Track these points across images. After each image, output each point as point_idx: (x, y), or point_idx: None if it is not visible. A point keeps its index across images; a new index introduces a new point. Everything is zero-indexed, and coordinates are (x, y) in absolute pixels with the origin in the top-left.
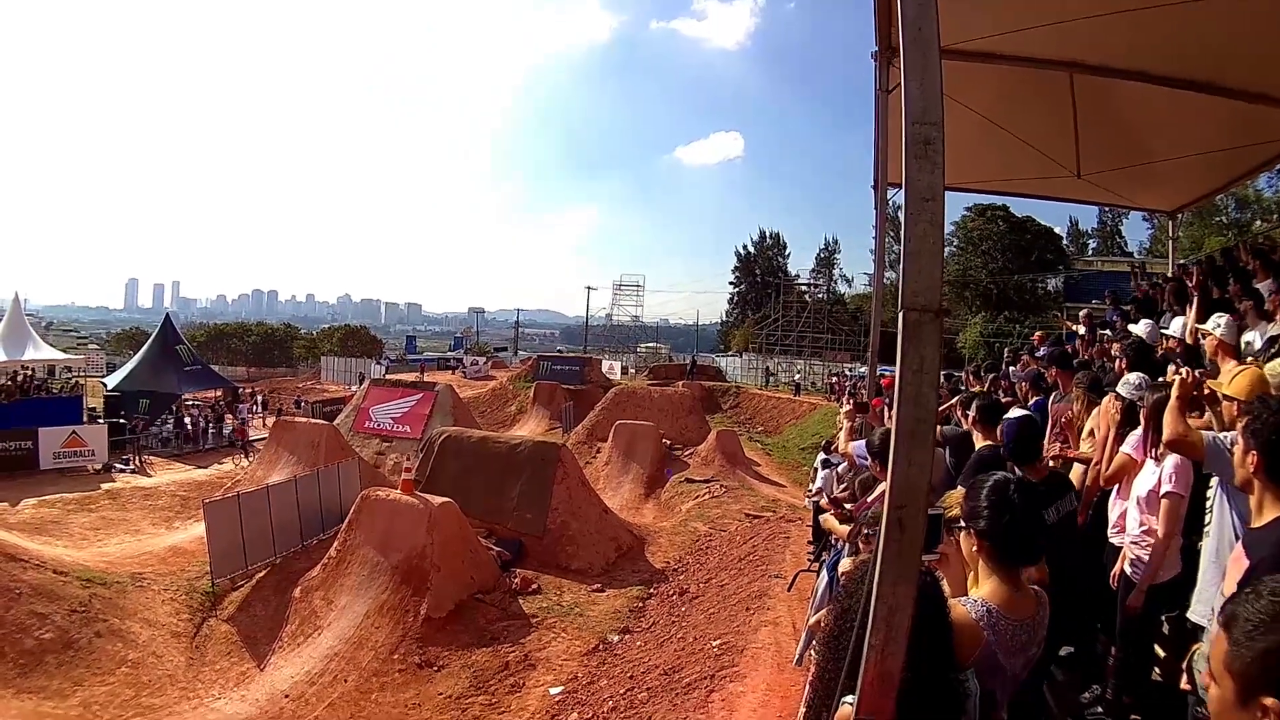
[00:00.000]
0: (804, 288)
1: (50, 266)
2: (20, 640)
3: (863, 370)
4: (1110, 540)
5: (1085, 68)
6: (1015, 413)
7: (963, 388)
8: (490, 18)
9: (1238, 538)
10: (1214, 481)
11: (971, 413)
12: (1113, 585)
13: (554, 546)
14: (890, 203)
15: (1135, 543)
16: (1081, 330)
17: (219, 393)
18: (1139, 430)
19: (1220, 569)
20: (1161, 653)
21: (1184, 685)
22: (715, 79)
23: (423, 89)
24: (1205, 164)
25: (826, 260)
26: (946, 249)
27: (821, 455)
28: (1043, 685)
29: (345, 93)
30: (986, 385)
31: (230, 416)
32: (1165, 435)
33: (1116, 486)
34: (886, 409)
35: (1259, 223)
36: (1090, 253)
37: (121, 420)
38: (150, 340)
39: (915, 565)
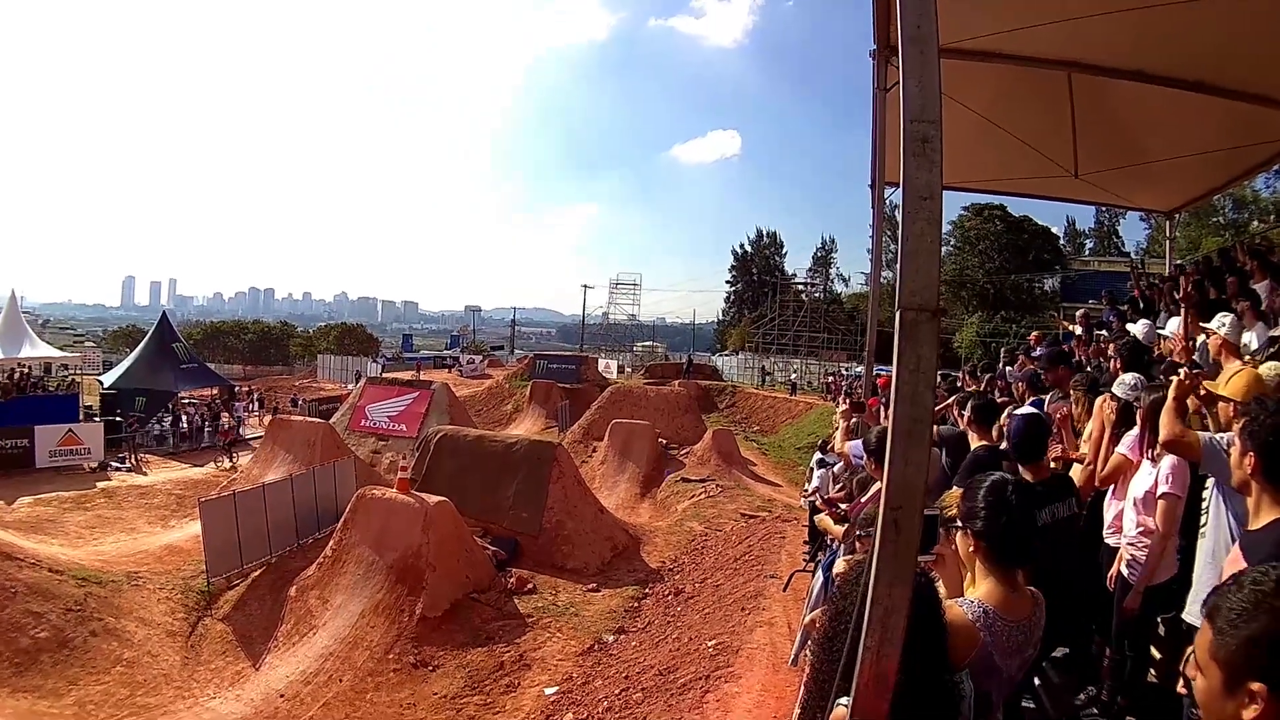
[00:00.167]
0: (801, 287)
1: (47, 264)
2: (15, 639)
3: (859, 370)
4: (1106, 541)
5: (1084, 67)
6: (1023, 410)
7: (960, 387)
8: (489, 16)
9: (1234, 539)
10: (1210, 482)
11: (966, 413)
12: (1109, 586)
13: (550, 546)
14: (887, 202)
15: (1132, 544)
16: (1078, 330)
17: (215, 391)
18: (1135, 430)
19: (1217, 570)
20: (1157, 654)
21: (1180, 689)
22: (713, 77)
23: (421, 88)
24: (1203, 164)
25: (823, 259)
26: (943, 248)
27: (818, 455)
28: (1036, 685)
29: (344, 91)
30: (983, 385)
31: (227, 415)
32: (1162, 436)
33: (1112, 487)
34: (883, 409)
35: (1256, 223)
36: (1087, 252)
37: (118, 418)
38: (147, 338)
39: (911, 566)
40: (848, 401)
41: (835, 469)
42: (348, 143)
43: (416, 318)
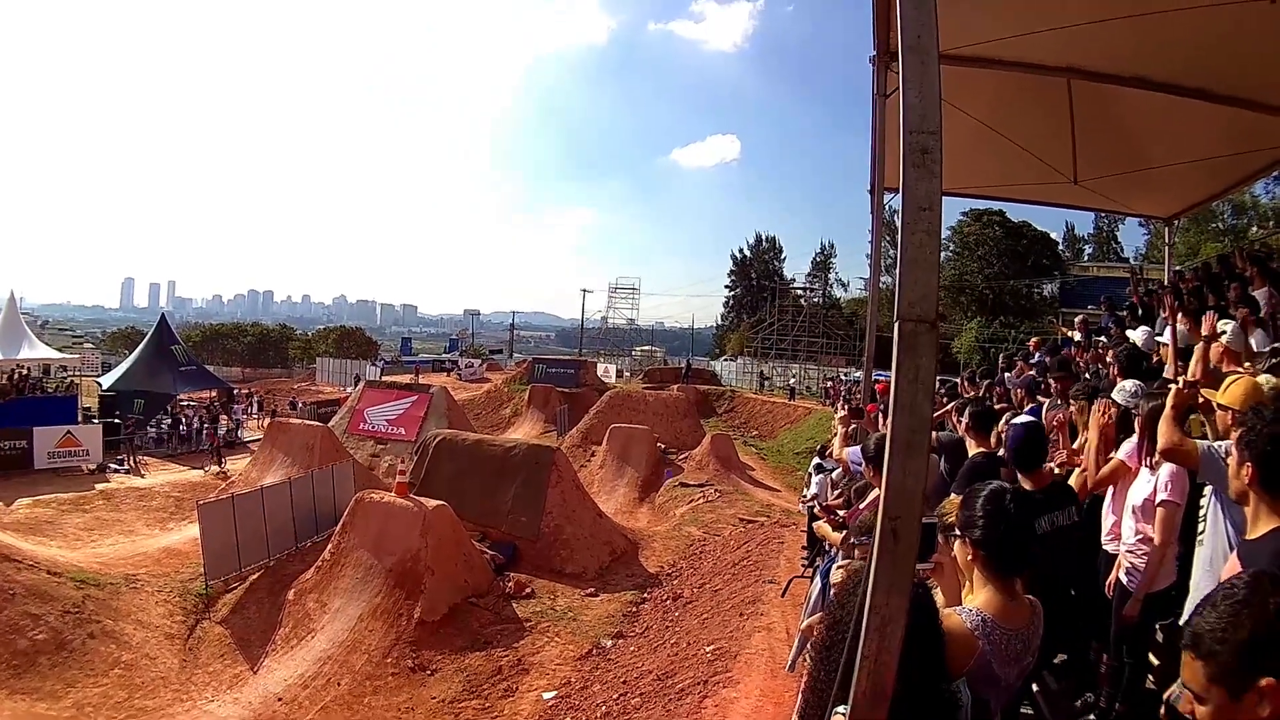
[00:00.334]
0: (800, 292)
1: (46, 265)
2: (13, 641)
3: (858, 375)
4: (1104, 547)
5: (1083, 74)
6: (1021, 419)
7: (959, 393)
8: (489, 18)
9: (1232, 547)
10: (1208, 490)
11: (965, 419)
12: (1108, 593)
13: (548, 550)
14: (886, 208)
15: (1131, 551)
16: (1077, 336)
17: (214, 393)
18: (1134, 437)
19: (1214, 578)
20: (1156, 661)
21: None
22: (712, 81)
23: (421, 90)
24: (1202, 170)
25: (822, 264)
26: (942, 254)
27: (816, 460)
28: (1034, 692)
29: (343, 93)
30: (981, 391)
31: (226, 417)
32: (1160, 445)
33: (1111, 493)
34: (881, 415)
35: (1255, 229)
36: (1086, 258)
37: (116, 420)
38: (145, 340)
39: (909, 576)
40: (846, 407)
41: (834, 475)
42: (347, 145)
43: (415, 321)
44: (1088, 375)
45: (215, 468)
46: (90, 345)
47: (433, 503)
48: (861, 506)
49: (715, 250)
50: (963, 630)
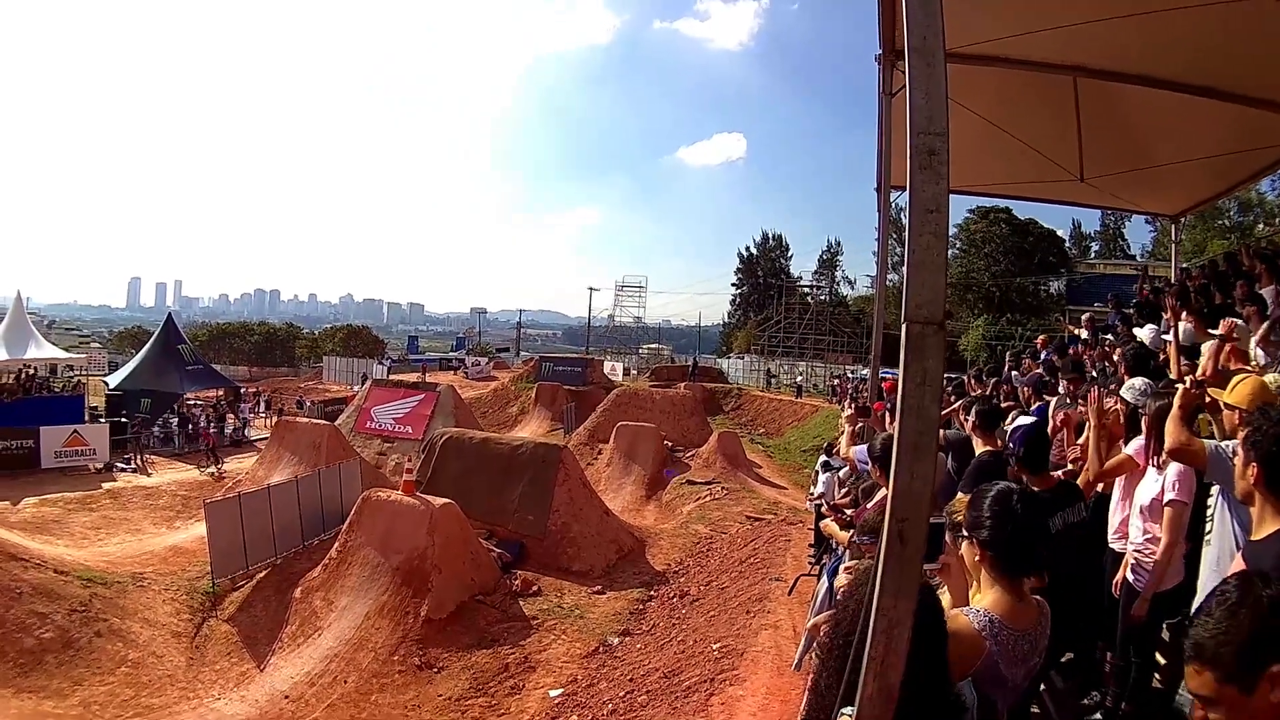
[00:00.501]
0: (806, 290)
1: (53, 265)
2: (20, 639)
3: (864, 373)
4: (1111, 546)
5: (1089, 72)
6: (1024, 420)
7: (965, 391)
8: (493, 17)
9: (1239, 546)
10: (1215, 490)
11: (971, 418)
12: (1115, 593)
13: (555, 548)
14: (893, 205)
15: (1139, 550)
16: (1083, 334)
17: (221, 392)
18: (1142, 435)
19: (1221, 578)
20: (1163, 660)
21: None
22: (718, 80)
23: (424, 89)
24: (1208, 168)
25: (829, 262)
26: (949, 251)
27: (823, 458)
28: (1041, 691)
29: (348, 92)
30: (989, 389)
31: (233, 416)
32: (1168, 445)
33: (1119, 493)
34: (888, 413)
35: (1261, 226)
36: (1093, 255)
37: (123, 419)
38: (152, 339)
39: (916, 579)
40: (853, 406)
41: (840, 474)
42: (353, 145)
43: (422, 319)
44: (1094, 373)
45: (212, 468)
46: (97, 345)
47: (440, 501)
48: (868, 506)
49: (722, 248)
50: (970, 631)
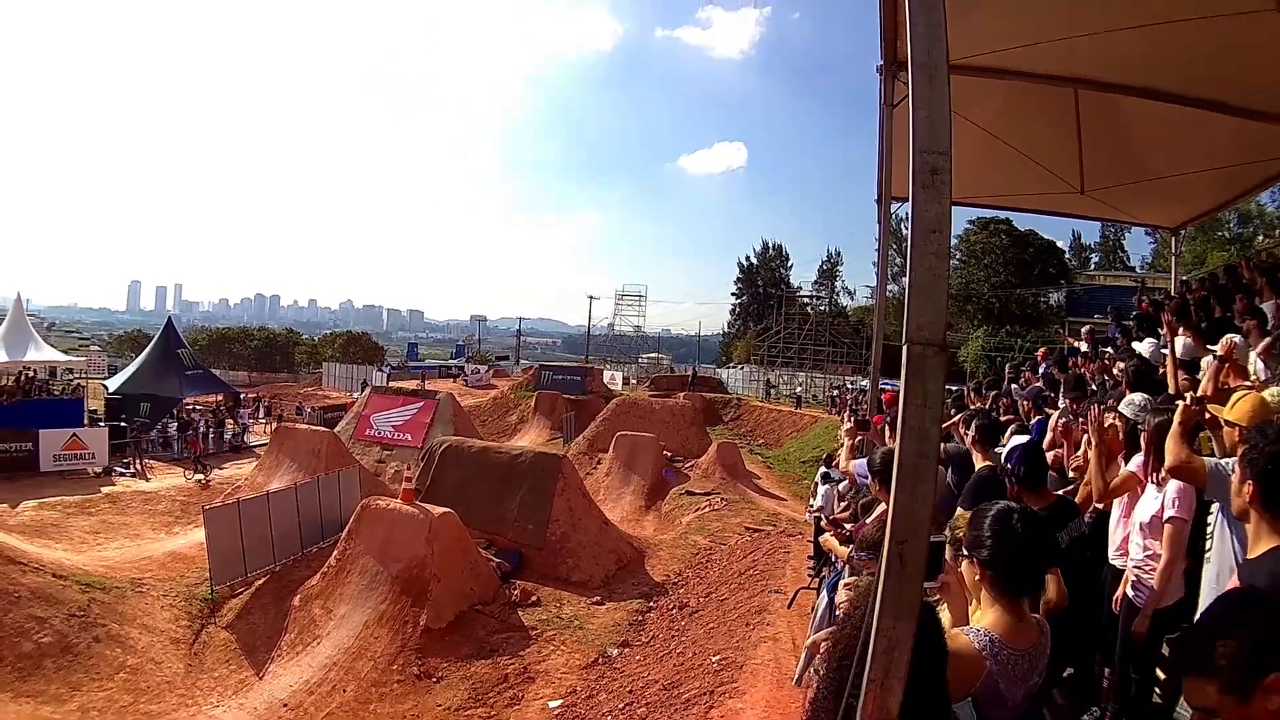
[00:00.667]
0: (806, 300)
1: (53, 267)
2: (18, 644)
3: (864, 383)
4: (1112, 562)
5: (1091, 84)
6: (1018, 440)
7: (965, 404)
8: (498, 26)
9: (1239, 564)
10: (1215, 507)
11: (971, 432)
12: (1115, 609)
13: (554, 558)
14: (894, 216)
15: (1139, 567)
16: (1083, 347)
17: (220, 398)
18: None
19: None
20: (1163, 675)
21: None
22: (719, 88)
23: (423, 95)
24: (1208, 181)
25: (829, 272)
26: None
27: (822, 469)
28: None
29: (349, 96)
30: (988, 402)
31: (231, 421)
32: (1168, 462)
33: (1120, 509)
34: (888, 427)
35: (1261, 238)
36: (1093, 267)
37: (122, 423)
38: (152, 343)
39: (916, 600)
40: (853, 419)
41: (840, 487)
42: (354, 150)
43: (422, 326)
44: (1094, 387)
45: (198, 476)
46: (97, 348)
47: (439, 510)
48: (867, 521)
49: (722, 257)
50: (970, 650)
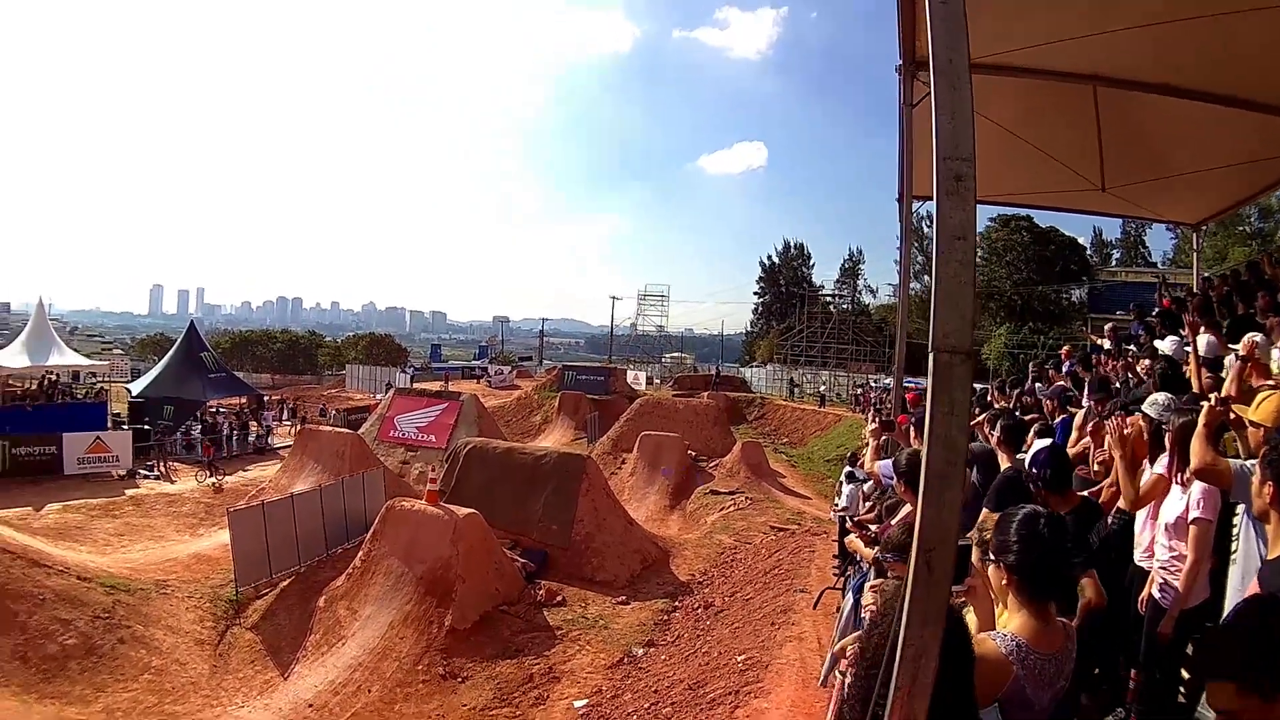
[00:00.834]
0: (828, 298)
1: (75, 272)
2: (44, 646)
3: (887, 382)
4: (1139, 564)
5: (1109, 81)
6: (1040, 444)
7: (989, 402)
8: (522, 31)
9: (1261, 564)
10: (1240, 509)
11: (996, 432)
12: (1140, 610)
13: (579, 558)
14: (915, 213)
15: (1165, 568)
16: (1106, 344)
17: (244, 400)
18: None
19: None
20: (1188, 676)
21: None
22: (738, 88)
23: (447, 99)
24: (1229, 176)
25: (851, 271)
26: None
27: (847, 468)
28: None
29: (377, 101)
30: (1012, 401)
31: (255, 424)
32: (1193, 464)
33: (1145, 510)
34: (913, 427)
35: None
36: (1114, 263)
37: (146, 426)
38: (175, 347)
39: (943, 607)
40: (877, 419)
41: (865, 488)
42: (375, 153)
43: (444, 328)
44: (1116, 385)
45: (210, 480)
46: (119, 351)
47: (463, 511)
48: (892, 522)
49: (744, 257)
50: (997, 655)
